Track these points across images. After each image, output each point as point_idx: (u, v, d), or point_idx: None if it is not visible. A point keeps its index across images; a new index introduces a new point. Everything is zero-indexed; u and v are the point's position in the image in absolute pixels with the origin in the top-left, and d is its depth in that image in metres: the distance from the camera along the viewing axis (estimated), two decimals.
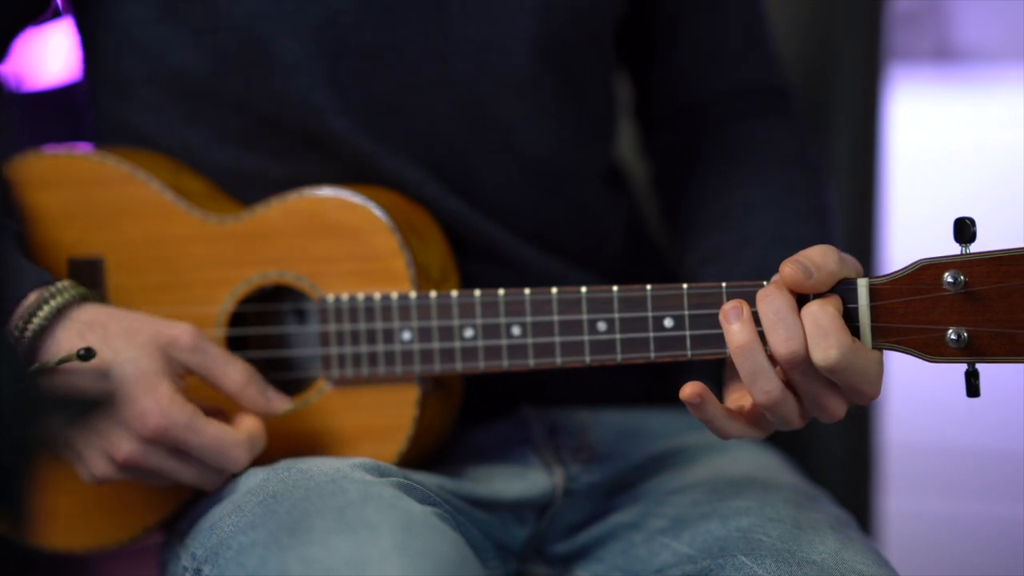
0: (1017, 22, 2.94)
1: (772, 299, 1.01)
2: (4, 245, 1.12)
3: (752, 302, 1.03)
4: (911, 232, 2.45)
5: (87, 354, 1.06)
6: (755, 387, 1.01)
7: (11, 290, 1.07)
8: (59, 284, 1.10)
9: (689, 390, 1.01)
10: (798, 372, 1.01)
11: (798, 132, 1.34)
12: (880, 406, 1.63)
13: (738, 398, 1.06)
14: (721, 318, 1.02)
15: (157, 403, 1.07)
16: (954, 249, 1.01)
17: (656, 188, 1.38)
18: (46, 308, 1.08)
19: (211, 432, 1.08)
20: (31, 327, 1.08)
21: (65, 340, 1.08)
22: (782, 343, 1.00)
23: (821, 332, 0.99)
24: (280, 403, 1.13)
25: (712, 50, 1.34)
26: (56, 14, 1.31)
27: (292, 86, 1.18)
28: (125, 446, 1.08)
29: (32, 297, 1.08)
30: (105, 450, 1.08)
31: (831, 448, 1.58)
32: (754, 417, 1.04)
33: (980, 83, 2.89)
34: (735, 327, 1.01)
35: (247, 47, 1.18)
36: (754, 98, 1.34)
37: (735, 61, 1.34)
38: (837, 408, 1.03)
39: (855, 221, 1.62)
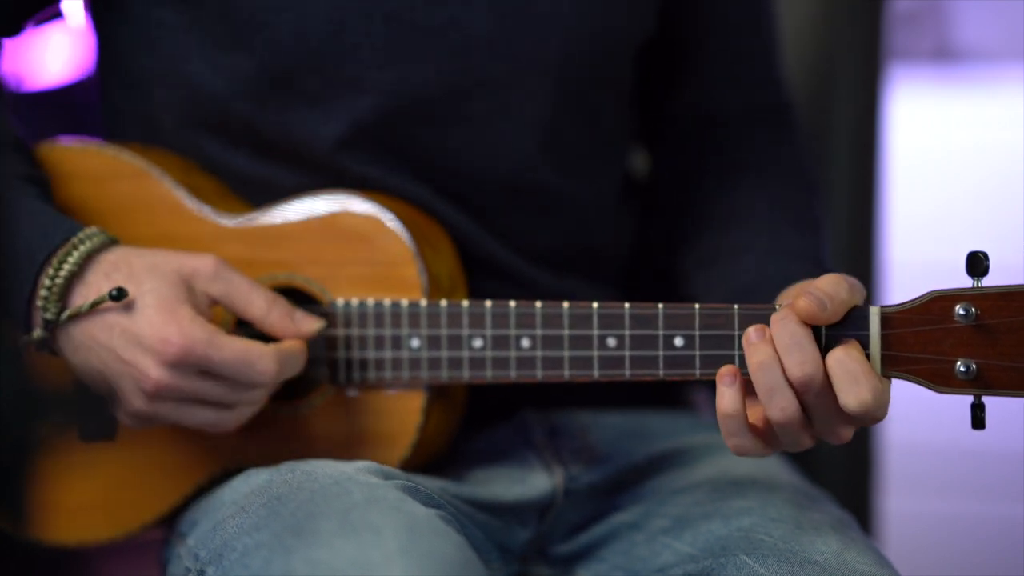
0: (1017, 22, 2.94)
1: (787, 323, 1.02)
2: (33, 197, 1.14)
3: (763, 324, 1.04)
4: (911, 232, 2.45)
5: (119, 294, 1.09)
6: (771, 403, 1.02)
7: (41, 241, 1.10)
8: (87, 230, 1.12)
9: (727, 368, 1.03)
10: (811, 395, 1.02)
11: (798, 146, 1.36)
12: None
13: (749, 415, 1.07)
14: (744, 340, 1.03)
15: (178, 326, 1.08)
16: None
17: (653, 185, 1.38)
18: (75, 254, 1.10)
19: (234, 346, 1.08)
20: (62, 273, 1.10)
21: (95, 282, 1.10)
22: (796, 366, 1.01)
23: (851, 378, 1.00)
24: (308, 324, 1.13)
25: (728, 75, 1.35)
26: (59, 13, 1.31)
27: (306, 121, 1.18)
28: (153, 373, 1.08)
29: (62, 246, 1.10)
30: (135, 379, 1.09)
31: (831, 448, 1.58)
32: (765, 434, 1.05)
33: (980, 83, 2.89)
34: (756, 345, 1.02)
35: (265, 75, 1.18)
36: (762, 114, 1.36)
37: (749, 85, 1.36)
38: (846, 433, 1.04)
39: (855, 221, 1.62)
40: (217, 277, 1.11)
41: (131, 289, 1.09)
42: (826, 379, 1.01)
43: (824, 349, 1.02)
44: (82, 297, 1.10)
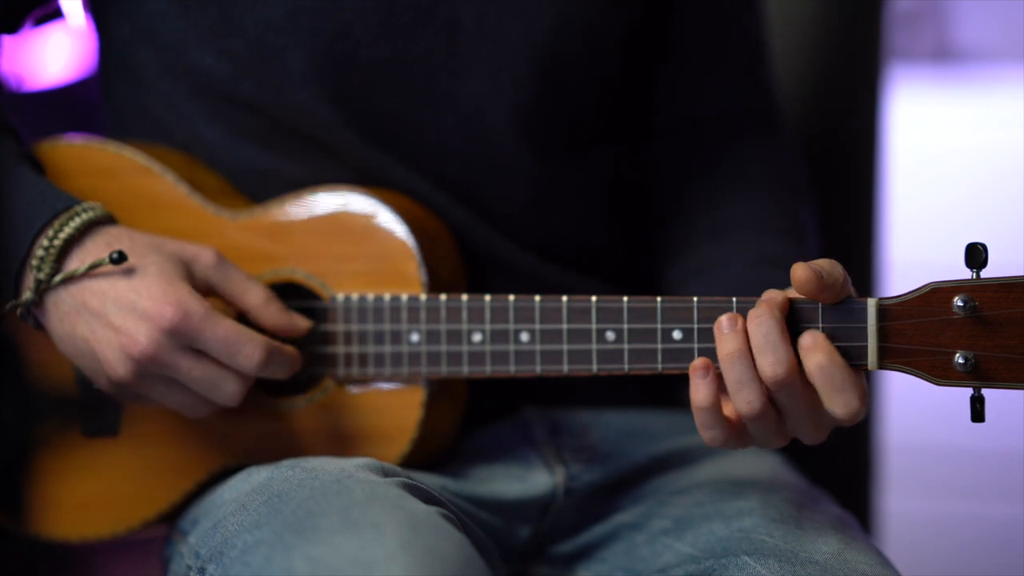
0: (1017, 22, 2.94)
1: (761, 321, 1.01)
2: (32, 171, 1.15)
3: (737, 314, 1.03)
4: (911, 232, 2.45)
5: (119, 257, 1.09)
6: (739, 396, 1.02)
7: (43, 205, 1.11)
8: (89, 202, 1.12)
9: (700, 360, 1.03)
10: (783, 393, 1.01)
11: (785, 154, 1.36)
12: (879, 406, 1.63)
13: (724, 407, 1.07)
14: (715, 327, 1.03)
15: (176, 295, 1.08)
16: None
17: (645, 197, 1.38)
18: (77, 220, 1.11)
19: (226, 325, 1.09)
20: (62, 235, 1.10)
21: (93, 250, 1.11)
22: (769, 366, 1.01)
23: (835, 386, 1.00)
24: (301, 321, 1.14)
25: (710, 75, 1.35)
26: (59, 12, 1.31)
27: (301, 97, 1.19)
28: (142, 338, 1.08)
29: (64, 211, 1.11)
30: (122, 346, 1.09)
31: (831, 448, 1.58)
32: (739, 427, 1.05)
33: (980, 83, 2.89)
34: (727, 335, 1.02)
35: (259, 56, 1.19)
36: (746, 121, 1.35)
37: (732, 88, 1.36)
38: (819, 434, 1.04)
39: (855, 221, 1.62)
40: (217, 266, 1.12)
41: (133, 259, 1.10)
42: (800, 380, 1.01)
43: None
44: (79, 262, 1.10)
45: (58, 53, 1.72)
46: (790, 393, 1.01)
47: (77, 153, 1.21)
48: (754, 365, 1.01)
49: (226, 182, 1.23)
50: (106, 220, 1.13)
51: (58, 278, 1.10)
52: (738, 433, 1.05)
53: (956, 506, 2.61)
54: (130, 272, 1.09)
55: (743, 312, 1.04)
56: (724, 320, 1.02)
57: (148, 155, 1.19)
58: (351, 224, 1.15)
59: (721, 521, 1.14)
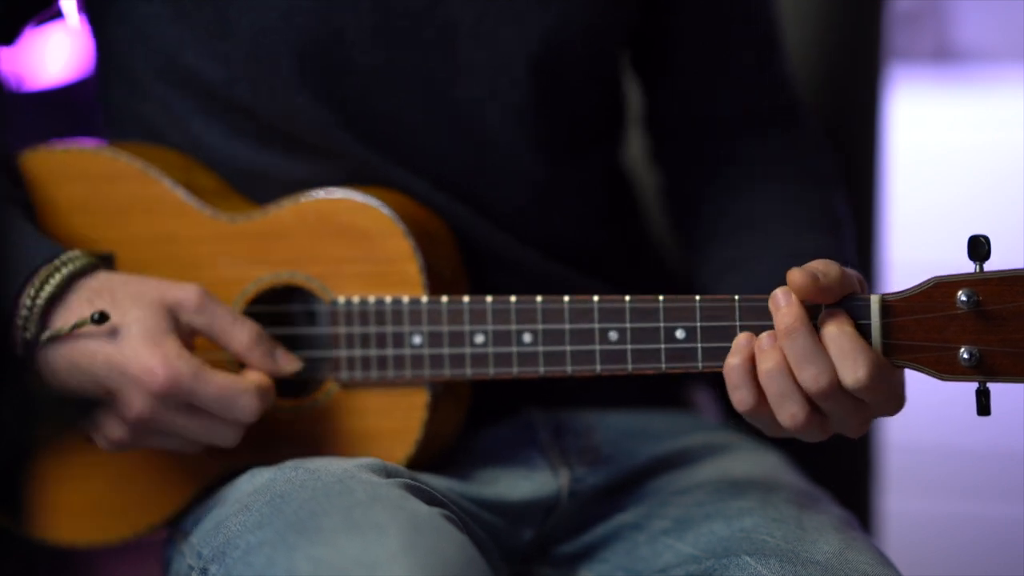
0: (1017, 22, 2.94)
1: (797, 336, 1.01)
2: (12, 217, 1.14)
3: (765, 316, 1.03)
4: (911, 232, 2.45)
5: (101, 318, 1.08)
6: (782, 410, 1.02)
7: (23, 261, 1.09)
8: (70, 253, 1.11)
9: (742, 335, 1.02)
10: (831, 400, 1.01)
11: (809, 144, 1.34)
12: None
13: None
14: (755, 345, 1.02)
15: (164, 358, 1.07)
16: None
17: (666, 198, 1.37)
18: (57, 276, 1.10)
19: (218, 381, 1.08)
20: (43, 295, 1.09)
21: (76, 307, 1.09)
22: (812, 380, 1.00)
23: (846, 355, 0.99)
24: (288, 363, 1.13)
25: (712, 75, 1.33)
26: (59, 13, 1.31)
27: (296, 101, 1.19)
28: (136, 404, 1.08)
29: (44, 266, 1.10)
30: (117, 410, 1.09)
31: (831, 448, 1.58)
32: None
33: (980, 83, 2.89)
34: (767, 351, 1.02)
35: (254, 59, 1.18)
36: (765, 115, 1.34)
37: (746, 83, 1.34)
38: (862, 426, 1.04)
39: (855, 221, 1.62)
40: (201, 309, 1.11)
41: (115, 317, 1.08)
42: (843, 386, 1.00)
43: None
44: (62, 320, 1.09)
45: (57, 53, 1.72)
46: (834, 399, 1.01)
47: (72, 158, 1.20)
48: (795, 378, 1.01)
49: (225, 183, 1.22)
50: (88, 270, 1.11)
51: (44, 338, 1.08)
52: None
53: (956, 506, 2.61)
54: (115, 333, 1.08)
55: (746, 310, 1.04)
56: (765, 338, 1.02)
57: (144, 159, 1.19)
58: (351, 225, 1.15)
59: (722, 521, 1.14)
